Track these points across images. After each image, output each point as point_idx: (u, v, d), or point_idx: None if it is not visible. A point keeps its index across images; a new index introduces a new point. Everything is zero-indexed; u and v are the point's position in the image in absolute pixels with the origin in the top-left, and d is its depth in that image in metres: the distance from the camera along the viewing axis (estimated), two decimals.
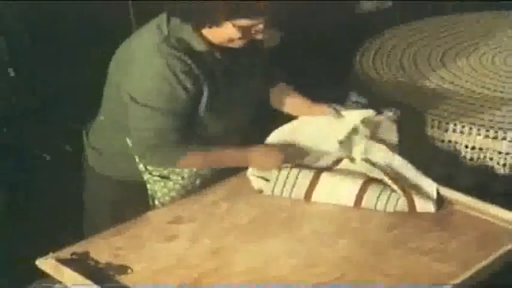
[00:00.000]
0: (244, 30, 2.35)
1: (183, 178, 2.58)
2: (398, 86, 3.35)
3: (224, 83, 2.47)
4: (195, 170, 2.58)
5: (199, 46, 2.39)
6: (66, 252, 2.29)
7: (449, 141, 3.00)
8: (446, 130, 3.00)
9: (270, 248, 2.32)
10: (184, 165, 2.51)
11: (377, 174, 2.54)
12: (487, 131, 2.92)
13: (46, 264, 2.25)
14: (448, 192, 2.55)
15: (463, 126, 2.96)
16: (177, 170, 2.55)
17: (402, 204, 2.48)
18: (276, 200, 2.58)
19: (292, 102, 2.77)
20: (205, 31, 2.38)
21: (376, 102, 3.23)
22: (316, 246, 2.32)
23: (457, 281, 2.10)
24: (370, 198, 2.51)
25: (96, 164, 2.69)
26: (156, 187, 2.59)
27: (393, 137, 2.67)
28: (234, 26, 2.33)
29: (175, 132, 2.40)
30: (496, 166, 2.94)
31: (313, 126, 2.72)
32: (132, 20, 3.74)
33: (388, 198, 2.50)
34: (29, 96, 3.49)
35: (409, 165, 2.57)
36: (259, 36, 2.41)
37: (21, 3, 3.49)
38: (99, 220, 2.66)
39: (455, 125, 2.98)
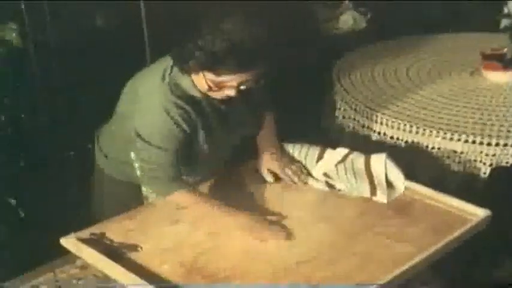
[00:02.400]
0: (216, 85, 2.23)
1: None
2: (370, 95, 3.35)
3: (216, 122, 2.40)
4: None
5: (191, 91, 2.31)
6: (85, 233, 2.31)
7: (413, 142, 3.00)
8: (410, 132, 3.00)
9: None
10: (173, 199, 2.41)
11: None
12: (445, 133, 2.93)
13: (68, 242, 2.27)
14: (410, 184, 2.56)
15: (424, 129, 2.97)
16: None
17: (365, 192, 2.51)
18: (263, 190, 2.60)
19: (259, 142, 2.67)
20: (193, 77, 2.29)
21: (351, 110, 3.28)
22: (297, 230, 2.33)
23: (415, 260, 2.11)
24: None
25: (104, 166, 2.66)
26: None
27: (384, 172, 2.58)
28: (204, 78, 2.23)
29: (173, 168, 2.34)
30: (452, 163, 2.95)
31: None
32: (143, 20, 3.64)
33: (356, 184, 2.54)
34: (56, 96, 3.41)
35: (386, 160, 2.56)
36: (231, 93, 2.25)
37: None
38: (105, 214, 2.62)
39: (418, 127, 2.98)
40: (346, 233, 2.31)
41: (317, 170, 2.64)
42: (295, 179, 2.60)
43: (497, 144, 2.86)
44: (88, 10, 3.46)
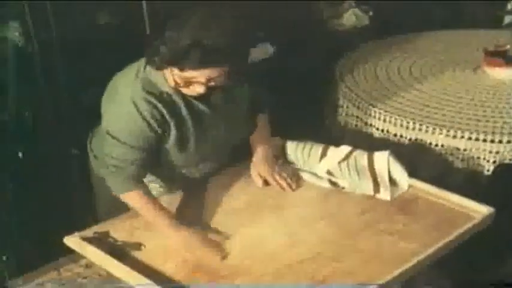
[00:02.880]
0: (183, 81, 2.22)
1: None
2: (373, 92, 3.35)
3: (193, 121, 2.36)
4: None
5: (163, 87, 2.29)
6: (89, 232, 2.32)
7: (416, 139, 3.00)
8: (413, 129, 3.00)
9: (261, 229, 2.34)
10: (125, 198, 2.38)
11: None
12: (448, 130, 2.93)
13: (72, 241, 2.28)
14: (413, 182, 2.56)
15: (428, 127, 2.97)
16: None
17: (368, 189, 2.52)
18: (265, 188, 2.60)
19: (252, 146, 2.67)
20: (165, 73, 2.27)
21: (354, 107, 3.28)
22: (299, 227, 2.34)
23: (419, 257, 2.12)
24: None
25: (94, 166, 2.65)
26: None
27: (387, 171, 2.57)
28: (171, 73, 2.23)
29: (135, 166, 2.31)
30: (455, 161, 2.95)
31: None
32: (145, 18, 3.63)
33: (359, 182, 2.54)
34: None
35: (389, 158, 2.56)
36: (200, 90, 2.24)
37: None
38: (100, 213, 2.66)
39: (421, 125, 2.98)
40: (349, 231, 2.31)
41: (320, 168, 2.64)
42: (284, 185, 2.58)
43: (500, 141, 2.86)
44: (90, 9, 3.46)
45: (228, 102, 2.43)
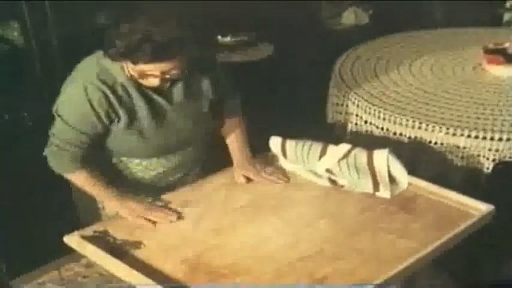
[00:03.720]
0: (137, 73, 2.30)
1: None
2: (373, 91, 3.35)
3: (149, 112, 2.40)
4: None
5: (119, 78, 2.34)
6: (89, 231, 2.33)
7: (416, 137, 3.00)
8: (413, 127, 3.00)
9: (262, 228, 2.35)
10: (70, 178, 2.47)
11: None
12: (448, 128, 2.93)
13: (72, 240, 2.28)
14: (413, 180, 2.57)
15: (427, 125, 2.97)
16: None
17: (368, 188, 2.52)
18: (267, 187, 2.61)
19: (231, 150, 2.75)
20: (123, 64, 2.32)
21: (353, 105, 3.28)
22: (300, 226, 2.34)
23: (418, 256, 2.12)
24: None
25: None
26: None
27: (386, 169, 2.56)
28: (126, 65, 2.30)
29: (78, 148, 2.38)
30: (455, 159, 2.95)
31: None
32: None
33: (358, 180, 2.55)
34: None
35: (389, 156, 2.55)
36: (155, 82, 2.32)
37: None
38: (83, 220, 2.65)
39: (420, 123, 2.98)
40: (349, 229, 2.32)
41: (320, 166, 2.64)
42: (274, 179, 2.63)
43: (500, 139, 2.86)
44: (89, 8, 3.47)
45: (188, 97, 2.48)
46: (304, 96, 3.81)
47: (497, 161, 2.88)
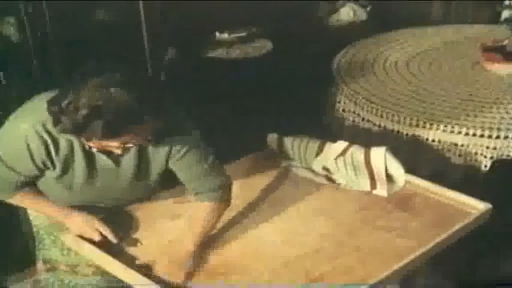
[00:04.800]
0: (95, 145, 2.05)
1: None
2: (370, 88, 3.35)
3: (86, 169, 2.17)
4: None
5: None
6: None
7: (413, 135, 3.00)
8: (411, 125, 3.00)
9: (258, 226, 2.35)
10: (14, 202, 2.30)
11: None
12: (445, 126, 2.93)
13: (68, 238, 2.28)
14: (410, 178, 2.57)
15: (425, 122, 2.97)
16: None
17: (365, 185, 2.52)
18: (262, 186, 2.60)
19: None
20: None
21: (351, 103, 3.28)
22: (296, 225, 2.35)
23: (416, 254, 2.12)
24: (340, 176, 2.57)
25: None
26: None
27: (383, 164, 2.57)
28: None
29: (10, 184, 2.21)
30: (453, 157, 2.95)
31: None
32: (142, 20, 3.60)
33: (355, 178, 2.55)
34: None
35: (386, 153, 2.57)
36: (118, 151, 2.07)
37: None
38: None
39: (417, 120, 2.98)
40: (346, 227, 2.32)
41: (316, 164, 2.64)
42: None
43: (498, 137, 2.86)
44: (87, 5, 3.46)
45: (140, 161, 2.23)
46: (302, 93, 3.80)
47: (495, 159, 2.88)
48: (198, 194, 2.29)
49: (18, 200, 2.29)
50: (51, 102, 1.95)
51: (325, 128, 3.50)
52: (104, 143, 2.00)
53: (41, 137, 2.08)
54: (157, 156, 2.22)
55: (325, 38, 4.40)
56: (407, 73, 3.53)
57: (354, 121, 3.28)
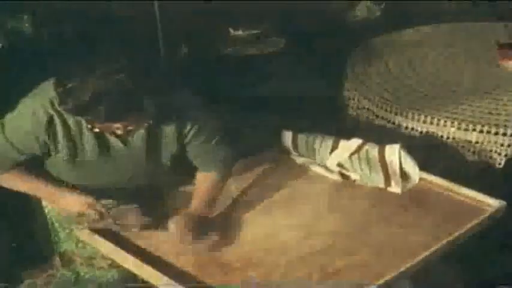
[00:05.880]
0: (98, 127, 2.11)
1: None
2: (385, 85, 3.35)
3: (100, 152, 2.22)
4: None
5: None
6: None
7: (427, 132, 3.01)
8: (425, 122, 3.01)
9: (273, 221, 2.36)
10: (4, 182, 2.28)
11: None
12: (460, 123, 2.93)
13: (83, 234, 2.29)
14: (425, 175, 2.57)
15: (439, 119, 2.97)
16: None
17: (379, 182, 2.53)
18: (278, 180, 2.61)
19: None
20: None
21: (365, 100, 3.28)
22: (311, 220, 2.35)
23: (430, 250, 2.13)
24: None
25: None
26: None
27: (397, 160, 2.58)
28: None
29: (7, 160, 2.22)
30: (467, 154, 2.96)
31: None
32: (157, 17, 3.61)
33: (370, 174, 2.56)
34: None
35: (400, 150, 2.58)
36: (119, 132, 2.13)
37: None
38: None
39: (432, 118, 2.99)
40: (360, 223, 2.33)
41: (331, 160, 2.65)
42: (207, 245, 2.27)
43: None
44: (101, 4, 3.49)
45: (150, 141, 2.27)
46: (316, 89, 3.81)
47: (509, 157, 2.88)
48: (202, 166, 2.40)
49: (11, 178, 2.27)
50: (58, 83, 2.04)
51: (340, 125, 3.51)
52: (107, 124, 2.08)
53: (47, 112, 2.13)
54: (167, 136, 2.29)
55: (339, 35, 4.41)
56: (422, 70, 3.53)
57: (368, 118, 3.28)
